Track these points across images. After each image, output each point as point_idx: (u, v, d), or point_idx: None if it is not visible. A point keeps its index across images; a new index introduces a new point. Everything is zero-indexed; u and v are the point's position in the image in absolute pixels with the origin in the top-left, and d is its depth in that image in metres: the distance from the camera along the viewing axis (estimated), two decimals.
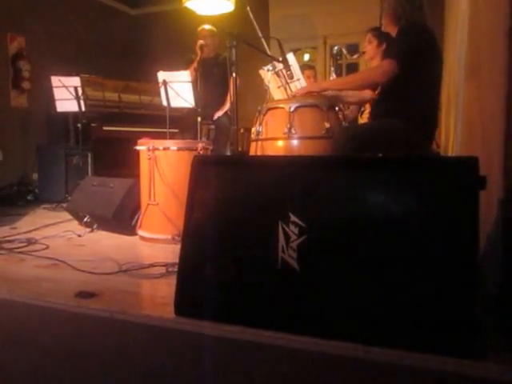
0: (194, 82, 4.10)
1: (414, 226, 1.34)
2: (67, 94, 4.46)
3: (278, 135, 2.79)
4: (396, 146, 2.54)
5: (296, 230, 1.46)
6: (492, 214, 1.64)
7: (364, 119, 3.76)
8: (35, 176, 5.51)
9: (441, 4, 4.85)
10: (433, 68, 2.63)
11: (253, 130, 3.04)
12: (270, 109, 2.89)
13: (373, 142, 2.52)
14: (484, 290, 1.45)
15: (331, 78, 3.91)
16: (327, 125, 2.71)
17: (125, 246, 2.84)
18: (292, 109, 2.73)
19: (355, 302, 1.35)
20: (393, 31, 2.75)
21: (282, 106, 2.81)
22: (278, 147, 2.79)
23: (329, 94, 2.85)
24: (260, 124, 2.89)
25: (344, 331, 1.34)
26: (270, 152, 2.83)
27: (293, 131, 2.72)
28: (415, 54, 2.50)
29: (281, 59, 2.99)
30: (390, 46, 2.71)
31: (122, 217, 3.11)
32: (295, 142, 2.75)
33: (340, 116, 2.91)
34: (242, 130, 5.28)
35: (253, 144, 2.98)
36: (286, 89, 3.09)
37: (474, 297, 1.22)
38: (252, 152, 2.98)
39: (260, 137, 2.89)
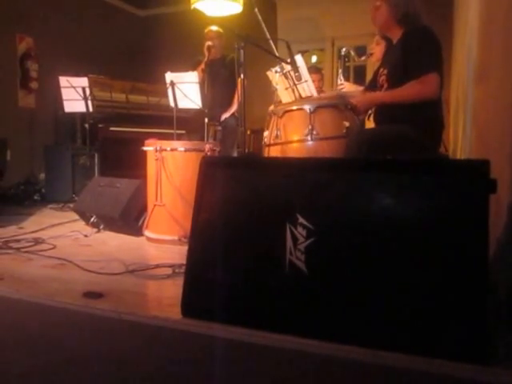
0: (202, 84, 4.10)
1: (423, 229, 1.33)
2: (75, 94, 4.48)
3: (299, 137, 2.75)
4: (406, 150, 2.53)
5: (304, 232, 1.46)
6: (502, 217, 1.62)
7: (371, 122, 3.74)
8: (42, 176, 5.53)
9: (450, 4, 4.84)
10: (442, 70, 2.62)
11: (265, 133, 3.00)
12: (286, 111, 2.84)
13: (383, 145, 2.51)
14: (495, 294, 1.44)
15: (339, 81, 3.88)
16: (347, 124, 2.70)
17: (131, 247, 2.85)
18: (312, 110, 2.72)
19: (363, 305, 1.34)
20: (395, 33, 2.71)
21: (300, 107, 2.78)
22: (301, 149, 2.75)
23: (334, 94, 2.83)
24: (277, 127, 2.85)
25: (352, 334, 1.33)
26: (292, 155, 2.78)
27: (314, 132, 2.70)
28: (439, 60, 2.51)
29: (289, 61, 2.98)
30: (399, 52, 2.67)
31: (129, 217, 3.12)
32: (318, 143, 2.71)
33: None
34: (248, 132, 5.28)
35: (271, 148, 2.90)
36: (293, 90, 3.07)
37: (485, 301, 1.21)
38: None
39: (279, 140, 2.84)
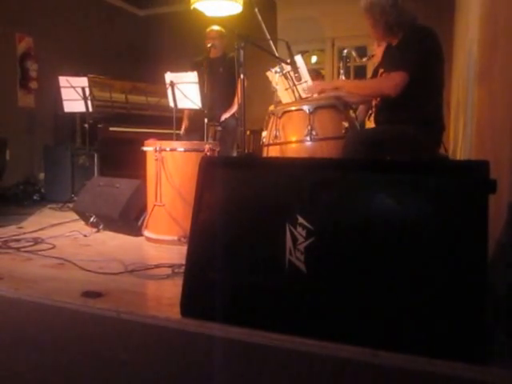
0: (202, 83, 4.10)
1: (423, 229, 1.33)
2: (75, 94, 4.47)
3: (299, 138, 2.76)
4: (406, 150, 2.53)
5: (303, 232, 1.46)
6: (501, 217, 1.62)
7: (371, 122, 3.74)
8: (41, 176, 5.54)
9: (451, 4, 4.85)
10: (438, 71, 2.62)
11: (264, 134, 3.00)
12: (285, 112, 2.85)
13: (382, 146, 2.51)
14: (494, 294, 1.44)
15: None
16: (346, 124, 2.71)
17: (130, 247, 2.85)
18: (311, 110, 2.72)
19: (363, 305, 1.34)
20: (391, 39, 2.73)
21: (299, 108, 2.78)
22: (300, 150, 2.76)
23: (332, 94, 2.84)
24: (276, 128, 2.85)
25: (351, 334, 1.33)
26: (291, 156, 2.78)
27: (313, 133, 2.70)
28: (424, 61, 2.49)
29: (289, 61, 2.98)
30: (395, 53, 2.68)
31: (128, 217, 3.12)
32: (317, 144, 2.72)
33: (354, 115, 2.90)
34: (248, 132, 5.27)
35: (270, 148, 2.90)
36: (293, 91, 3.07)
37: (483, 302, 1.21)
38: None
39: (278, 140, 2.84)
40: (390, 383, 1.26)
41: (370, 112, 3.23)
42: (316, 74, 4.83)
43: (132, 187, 3.21)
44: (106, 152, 5.08)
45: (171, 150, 2.94)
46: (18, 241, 2.82)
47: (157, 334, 1.56)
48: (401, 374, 1.24)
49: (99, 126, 5.18)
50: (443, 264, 1.28)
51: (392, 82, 2.52)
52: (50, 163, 5.28)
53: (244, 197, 1.62)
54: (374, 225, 1.39)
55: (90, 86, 4.51)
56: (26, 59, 5.77)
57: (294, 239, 1.47)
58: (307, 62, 5.70)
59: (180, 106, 4.11)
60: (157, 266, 2.28)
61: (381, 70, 2.85)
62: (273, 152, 2.89)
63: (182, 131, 4.76)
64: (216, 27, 4.66)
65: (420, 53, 2.50)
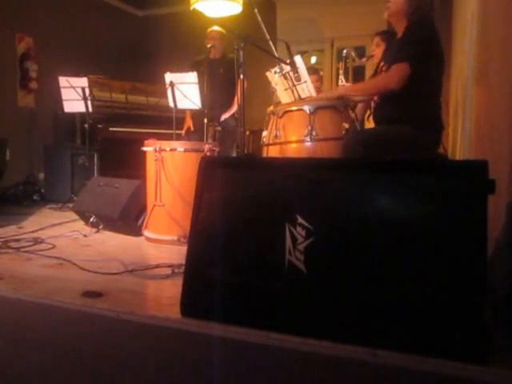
0: (201, 84, 4.11)
1: (422, 229, 1.33)
2: (75, 94, 4.48)
3: (299, 138, 2.77)
4: (404, 150, 2.53)
5: (303, 233, 1.46)
6: (500, 217, 1.63)
7: (370, 123, 3.74)
8: (41, 176, 5.54)
9: (449, 2, 4.84)
10: (438, 70, 2.63)
11: (264, 133, 3.01)
12: (286, 111, 2.85)
13: (381, 146, 2.51)
14: (493, 294, 1.44)
15: (340, 83, 3.88)
16: (346, 125, 2.72)
17: (130, 247, 2.85)
18: (311, 111, 2.72)
19: (363, 305, 1.35)
20: (401, 26, 2.71)
21: (300, 108, 2.79)
22: (300, 150, 2.77)
23: (335, 95, 2.84)
24: (276, 128, 2.86)
25: (351, 334, 1.34)
26: (291, 155, 2.80)
27: (313, 133, 2.70)
28: (425, 56, 2.50)
29: (288, 61, 2.99)
30: (399, 46, 2.68)
31: (128, 217, 3.12)
32: (317, 144, 2.72)
33: (354, 115, 2.91)
34: (247, 133, 5.27)
35: (270, 148, 2.91)
36: (293, 91, 3.08)
37: (483, 301, 1.21)
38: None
39: (278, 140, 2.84)
40: (389, 383, 1.26)
41: (369, 113, 3.23)
42: (313, 71, 4.84)
43: (132, 187, 3.22)
44: (105, 152, 5.10)
45: (171, 150, 2.95)
46: (17, 241, 2.82)
47: (157, 334, 1.56)
48: (400, 373, 1.24)
49: (99, 126, 5.19)
50: (443, 264, 1.28)
51: (395, 77, 2.52)
52: (50, 163, 5.28)
53: (244, 197, 1.62)
54: (374, 225, 1.39)
55: (89, 86, 4.52)
56: (26, 59, 5.77)
57: (294, 239, 1.47)
58: (306, 62, 5.68)
59: (180, 106, 4.11)
60: (157, 266, 2.28)
61: (381, 64, 2.84)
62: (273, 152, 2.89)
63: (183, 131, 4.77)
64: (216, 28, 4.67)
65: (422, 46, 2.51)
